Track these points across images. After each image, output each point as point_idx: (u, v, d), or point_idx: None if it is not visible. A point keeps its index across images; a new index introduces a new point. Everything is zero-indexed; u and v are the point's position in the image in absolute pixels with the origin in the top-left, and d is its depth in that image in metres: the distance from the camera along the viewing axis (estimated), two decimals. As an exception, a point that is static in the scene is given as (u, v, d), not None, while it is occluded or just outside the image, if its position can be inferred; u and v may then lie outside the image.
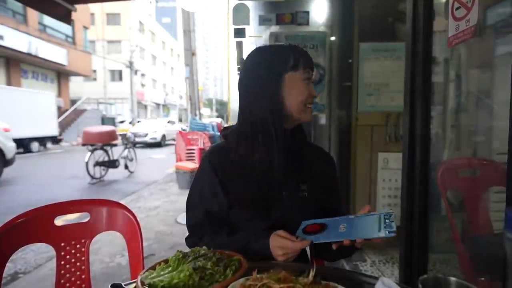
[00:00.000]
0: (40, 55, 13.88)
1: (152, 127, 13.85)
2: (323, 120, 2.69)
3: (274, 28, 2.55)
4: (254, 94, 0.78)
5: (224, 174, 0.81)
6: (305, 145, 0.87)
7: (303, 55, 0.79)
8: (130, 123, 16.49)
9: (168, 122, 15.76)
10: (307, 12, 2.36)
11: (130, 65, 21.87)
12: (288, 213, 0.78)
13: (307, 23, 2.37)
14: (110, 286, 0.55)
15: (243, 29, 2.48)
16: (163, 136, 13.98)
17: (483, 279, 1.08)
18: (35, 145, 11.36)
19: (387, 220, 0.63)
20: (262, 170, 0.76)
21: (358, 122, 2.29)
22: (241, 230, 0.78)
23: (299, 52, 0.79)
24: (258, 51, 0.81)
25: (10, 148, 6.20)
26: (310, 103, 0.79)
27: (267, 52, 0.80)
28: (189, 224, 0.86)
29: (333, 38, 2.46)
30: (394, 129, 2.24)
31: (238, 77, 0.83)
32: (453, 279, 0.46)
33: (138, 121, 16.06)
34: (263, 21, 2.39)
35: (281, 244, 0.70)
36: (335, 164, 0.91)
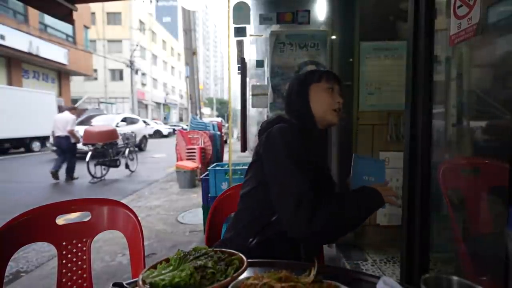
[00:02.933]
0: (41, 55, 13.89)
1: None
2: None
3: (275, 27, 2.55)
4: (291, 102, 1.00)
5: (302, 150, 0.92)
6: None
7: (326, 71, 1.01)
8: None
9: (123, 120, 10.45)
10: (308, 11, 2.36)
11: (131, 64, 21.89)
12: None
13: (308, 22, 2.37)
14: (112, 285, 0.56)
15: (244, 28, 2.48)
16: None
17: (484, 278, 1.08)
18: (36, 145, 11.39)
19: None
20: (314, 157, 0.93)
21: (359, 121, 2.29)
22: None
23: (322, 70, 1.04)
24: (296, 76, 1.08)
25: None
26: (335, 108, 0.97)
27: (299, 74, 1.06)
28: (297, 191, 0.78)
29: (333, 37, 2.45)
30: (395, 128, 2.24)
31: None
32: (455, 278, 0.46)
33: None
34: (263, 20, 2.39)
35: (377, 185, 0.88)
36: None
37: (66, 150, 5.22)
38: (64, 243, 0.93)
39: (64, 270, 0.92)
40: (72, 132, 5.36)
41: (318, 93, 0.97)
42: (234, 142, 11.97)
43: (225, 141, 8.99)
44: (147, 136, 9.22)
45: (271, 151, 0.86)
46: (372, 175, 0.94)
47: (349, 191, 0.89)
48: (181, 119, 34.28)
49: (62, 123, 5.30)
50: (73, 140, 5.39)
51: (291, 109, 1.01)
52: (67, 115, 5.44)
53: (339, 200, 0.81)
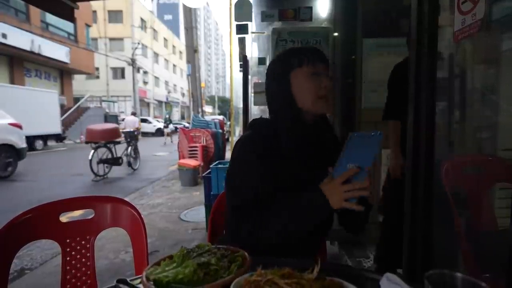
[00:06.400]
0: (43, 53, 13.93)
1: None
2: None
3: (277, 24, 2.54)
4: (271, 94, 0.87)
5: (263, 160, 0.81)
6: (332, 136, 0.93)
7: (308, 51, 0.84)
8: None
9: None
10: (310, 8, 2.34)
11: (133, 62, 21.89)
12: None
13: (310, 19, 2.35)
14: (116, 281, 0.56)
15: (246, 25, 2.47)
16: None
17: (487, 275, 1.08)
18: (39, 143, 11.46)
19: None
20: (290, 156, 0.81)
21: (361, 119, 2.28)
22: None
23: (304, 49, 0.85)
24: (273, 58, 0.91)
25: (21, 144, 6.47)
26: (322, 95, 0.82)
27: (277, 57, 0.89)
28: (237, 205, 0.81)
29: (336, 34, 2.44)
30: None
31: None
32: (459, 274, 0.45)
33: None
34: (265, 17, 2.38)
35: (333, 180, 0.71)
36: None
37: (133, 138, 7.07)
38: (68, 241, 0.94)
39: (68, 267, 0.93)
40: (138, 128, 8.37)
41: (301, 80, 0.82)
42: (236, 140, 11.97)
43: (227, 139, 9.00)
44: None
45: (230, 159, 0.85)
46: (357, 161, 0.71)
47: (290, 199, 0.76)
48: (183, 117, 34.31)
49: (131, 123, 8.37)
50: (136, 132, 7.49)
51: (271, 102, 0.87)
52: (133, 118, 8.87)
53: (274, 212, 0.75)
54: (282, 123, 0.83)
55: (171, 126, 16.25)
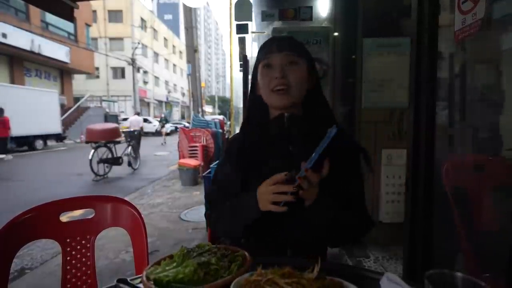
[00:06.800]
0: (43, 53, 13.93)
1: None
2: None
3: (277, 24, 2.54)
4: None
5: (240, 159, 0.84)
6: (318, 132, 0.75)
7: (264, 43, 0.83)
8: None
9: None
10: (310, 7, 2.34)
11: (133, 62, 21.89)
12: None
13: (311, 19, 2.35)
14: (116, 281, 0.56)
15: (246, 25, 2.47)
16: None
17: (487, 275, 1.08)
18: (39, 143, 11.47)
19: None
20: (266, 154, 0.81)
21: (362, 118, 2.28)
22: None
23: (264, 42, 0.84)
24: None
25: None
26: (273, 88, 0.77)
27: None
28: (206, 193, 1.02)
29: (336, 34, 2.44)
30: (397, 126, 2.23)
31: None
32: (459, 274, 0.45)
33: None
34: (265, 16, 2.38)
35: (265, 182, 0.70)
36: (357, 154, 0.82)
37: (136, 137, 7.09)
38: (68, 240, 0.94)
39: (68, 267, 0.93)
40: (142, 128, 8.59)
41: (260, 74, 0.81)
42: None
43: (227, 139, 9.01)
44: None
45: None
46: (312, 159, 0.67)
47: (238, 198, 0.79)
48: (183, 117, 34.32)
49: (135, 122, 8.54)
50: (136, 132, 7.38)
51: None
52: (137, 117, 8.88)
53: (227, 206, 0.81)
54: (252, 120, 0.87)
55: (167, 126, 15.70)
